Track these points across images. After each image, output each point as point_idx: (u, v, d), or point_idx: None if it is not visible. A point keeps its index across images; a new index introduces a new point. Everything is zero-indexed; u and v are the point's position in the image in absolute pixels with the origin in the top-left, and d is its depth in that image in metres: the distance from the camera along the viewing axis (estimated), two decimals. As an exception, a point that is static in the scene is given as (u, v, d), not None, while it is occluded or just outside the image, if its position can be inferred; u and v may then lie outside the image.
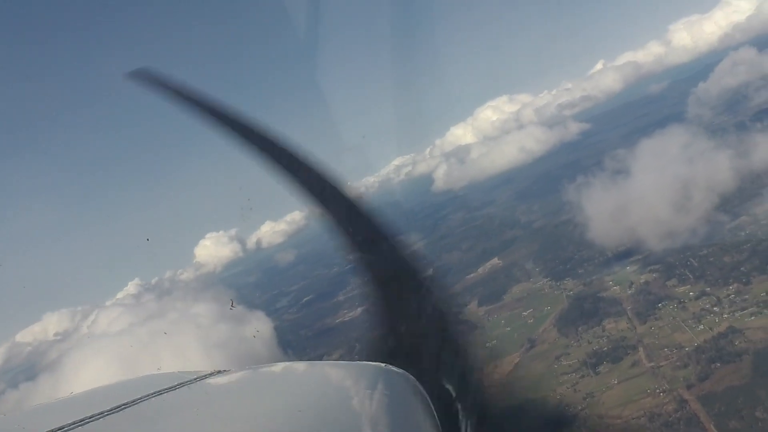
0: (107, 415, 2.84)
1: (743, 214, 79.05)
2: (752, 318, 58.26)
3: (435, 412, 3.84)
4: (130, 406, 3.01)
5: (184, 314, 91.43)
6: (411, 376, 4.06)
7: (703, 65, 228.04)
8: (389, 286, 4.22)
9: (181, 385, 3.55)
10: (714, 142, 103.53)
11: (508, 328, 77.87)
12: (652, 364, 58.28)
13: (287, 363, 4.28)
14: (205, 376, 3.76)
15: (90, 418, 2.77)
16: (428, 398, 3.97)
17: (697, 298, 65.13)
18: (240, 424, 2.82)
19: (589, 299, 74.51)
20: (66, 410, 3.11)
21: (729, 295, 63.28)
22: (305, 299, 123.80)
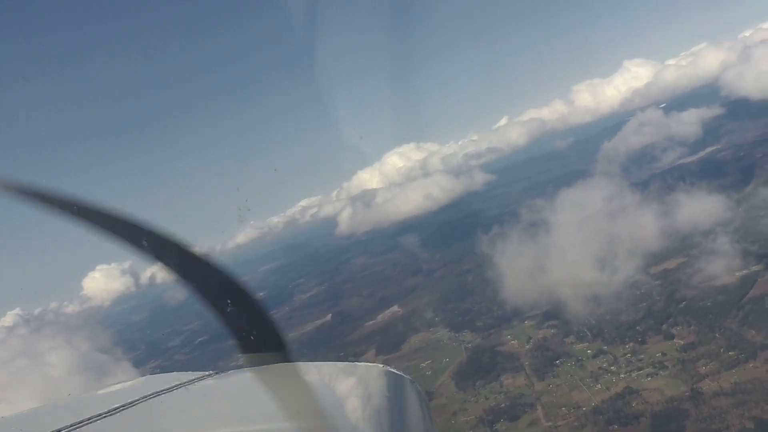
0: (105, 416, 2.87)
1: (640, 273, 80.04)
2: (648, 379, 58.03)
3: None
4: (127, 408, 3.03)
5: (36, 362, 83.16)
6: (409, 377, 4.15)
7: (604, 126, 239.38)
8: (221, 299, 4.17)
9: (179, 386, 3.57)
10: (617, 201, 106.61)
11: (406, 380, 75.24)
12: (550, 423, 56.71)
13: (286, 364, 3.96)
14: (203, 377, 3.83)
15: (88, 420, 2.79)
16: (426, 399, 4.18)
17: (594, 356, 64.66)
18: (239, 425, 2.83)
19: (488, 353, 73.13)
20: (63, 413, 3.07)
21: (626, 354, 63.19)
22: (199, 340, 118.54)
